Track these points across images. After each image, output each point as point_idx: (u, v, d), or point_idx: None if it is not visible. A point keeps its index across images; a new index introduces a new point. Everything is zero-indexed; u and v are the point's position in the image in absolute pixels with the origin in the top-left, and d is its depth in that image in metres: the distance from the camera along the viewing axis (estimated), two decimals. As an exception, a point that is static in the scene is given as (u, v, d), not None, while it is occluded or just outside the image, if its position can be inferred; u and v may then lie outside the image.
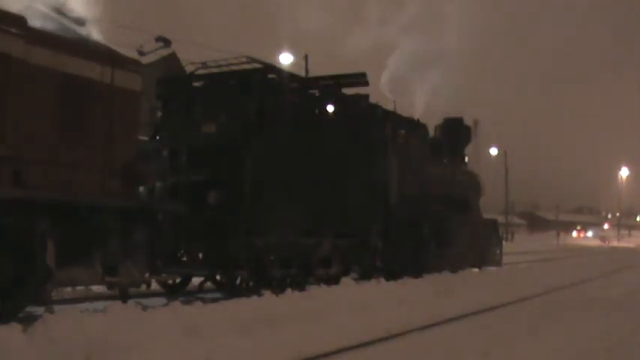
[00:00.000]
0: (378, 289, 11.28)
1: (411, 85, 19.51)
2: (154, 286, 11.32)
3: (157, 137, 12.21)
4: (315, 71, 27.63)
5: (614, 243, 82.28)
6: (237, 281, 11.63)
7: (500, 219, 41.49)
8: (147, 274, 9.19)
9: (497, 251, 20.02)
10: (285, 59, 33.41)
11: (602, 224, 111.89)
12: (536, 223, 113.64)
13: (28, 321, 6.35)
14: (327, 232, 12.72)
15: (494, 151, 66.20)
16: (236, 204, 10.74)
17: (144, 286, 10.34)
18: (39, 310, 8.13)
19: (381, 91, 18.39)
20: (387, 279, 12.55)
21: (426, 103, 19.56)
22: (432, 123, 18.41)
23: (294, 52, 34.59)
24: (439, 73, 20.76)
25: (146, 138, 12.22)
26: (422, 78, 19.76)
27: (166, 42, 12.92)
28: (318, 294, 9.75)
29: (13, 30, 7.55)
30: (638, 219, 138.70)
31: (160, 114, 13.03)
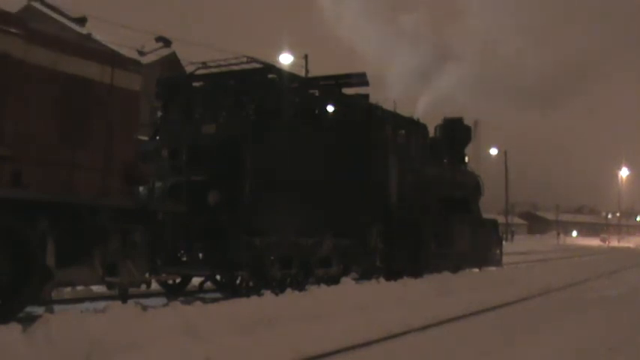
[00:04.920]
0: (378, 289, 11.28)
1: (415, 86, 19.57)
2: (154, 286, 11.32)
3: (157, 137, 12.21)
4: (315, 71, 27.64)
5: (614, 243, 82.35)
6: (237, 281, 11.63)
7: (500, 219, 41.48)
8: (147, 274, 9.20)
9: (497, 251, 20.01)
10: (285, 59, 33.42)
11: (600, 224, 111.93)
12: (536, 223, 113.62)
13: (28, 321, 6.34)
14: (326, 232, 12.71)
15: (494, 151, 66.18)
16: (236, 204, 10.74)
17: (144, 286, 10.33)
18: (39, 310, 8.14)
19: (383, 91, 18.44)
20: (387, 279, 12.54)
21: (427, 104, 19.60)
22: (432, 123, 18.43)
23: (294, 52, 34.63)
24: (443, 75, 20.80)
25: (146, 138, 12.22)
26: (425, 80, 19.83)
27: (166, 42, 12.94)
28: (318, 294, 9.74)
29: (13, 30, 7.55)
30: (638, 219, 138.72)
31: (159, 114, 13.03)
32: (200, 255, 11.60)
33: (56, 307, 8.54)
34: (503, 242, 23.22)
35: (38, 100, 7.84)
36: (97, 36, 33.30)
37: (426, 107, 19.05)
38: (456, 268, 15.84)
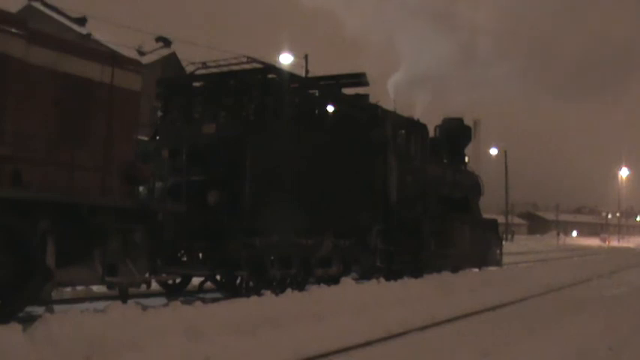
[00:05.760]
0: (378, 289, 11.27)
1: (418, 87, 19.60)
2: (154, 286, 11.32)
3: (157, 137, 12.20)
4: (315, 71, 27.65)
5: (614, 243, 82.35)
6: (237, 281, 11.63)
7: (500, 219, 41.45)
8: (147, 274, 9.19)
9: (497, 251, 20.02)
10: (285, 59, 33.42)
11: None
12: (536, 223, 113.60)
13: (28, 321, 6.34)
14: (327, 232, 12.71)
15: (494, 151, 66.19)
16: (236, 204, 10.74)
17: (144, 286, 10.33)
18: (39, 310, 8.13)
19: (384, 91, 18.47)
20: (387, 279, 12.54)
21: (428, 104, 19.63)
22: (432, 123, 18.44)
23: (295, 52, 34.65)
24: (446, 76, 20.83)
25: (146, 138, 12.22)
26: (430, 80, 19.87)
27: (166, 42, 12.94)
28: (318, 294, 9.73)
29: (13, 30, 7.55)
30: (638, 219, 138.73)
31: (160, 114, 13.03)
32: (200, 255, 11.61)
33: (56, 307, 8.53)
34: (503, 242, 23.22)
35: (38, 100, 7.84)
36: (97, 36, 33.32)
37: (425, 99, 19.07)
38: (456, 268, 15.85)
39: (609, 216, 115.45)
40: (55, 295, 8.99)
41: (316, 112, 13.58)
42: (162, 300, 10.89)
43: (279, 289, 11.02)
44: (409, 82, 19.54)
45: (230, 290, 11.62)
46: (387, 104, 16.17)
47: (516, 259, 28.08)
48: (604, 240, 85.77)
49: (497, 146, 66.61)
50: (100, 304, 8.70)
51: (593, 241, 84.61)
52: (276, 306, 8.43)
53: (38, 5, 35.26)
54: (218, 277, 12.27)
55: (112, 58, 9.00)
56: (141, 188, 9.50)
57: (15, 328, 5.79)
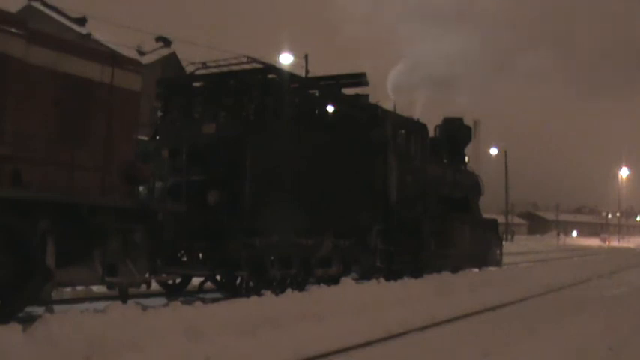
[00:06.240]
0: (378, 289, 11.26)
1: (418, 86, 19.62)
2: (154, 286, 11.32)
3: (157, 137, 12.20)
4: (315, 71, 27.65)
5: (614, 243, 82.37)
6: (237, 281, 11.64)
7: (500, 219, 41.45)
8: (147, 274, 9.20)
9: (497, 251, 20.02)
10: (285, 59, 33.43)
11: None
12: (536, 223, 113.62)
13: (28, 321, 6.34)
14: (327, 232, 12.71)
15: (494, 151, 66.20)
16: (236, 204, 10.75)
17: (144, 286, 10.33)
18: (39, 310, 8.14)
19: (384, 91, 18.49)
20: (387, 279, 12.53)
21: (428, 104, 19.65)
22: (432, 123, 18.44)
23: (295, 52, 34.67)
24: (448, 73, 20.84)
25: (146, 138, 12.22)
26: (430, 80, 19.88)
27: (166, 42, 12.93)
28: (318, 294, 9.73)
29: (13, 30, 7.55)
30: (638, 219, 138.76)
31: (160, 114, 13.04)
32: (200, 255, 11.61)
33: (56, 307, 8.53)
34: (503, 242, 23.22)
35: (38, 100, 7.84)
36: (97, 36, 33.32)
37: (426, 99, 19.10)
38: (455, 268, 15.84)
39: (609, 216, 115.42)
40: (55, 295, 8.99)
41: (316, 112, 13.58)
42: (163, 300, 10.89)
43: (279, 289, 11.02)
44: (409, 81, 19.58)
45: (230, 290, 11.62)
46: (387, 104, 16.19)
47: (516, 259, 28.09)
48: (604, 240, 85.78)
49: (497, 146, 66.66)
50: (100, 304, 8.70)
51: (593, 241, 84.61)
52: (276, 306, 8.43)
53: (38, 5, 35.28)
54: (218, 277, 12.27)
55: (112, 58, 9.00)
56: (141, 188, 9.50)
57: (15, 328, 5.79)
